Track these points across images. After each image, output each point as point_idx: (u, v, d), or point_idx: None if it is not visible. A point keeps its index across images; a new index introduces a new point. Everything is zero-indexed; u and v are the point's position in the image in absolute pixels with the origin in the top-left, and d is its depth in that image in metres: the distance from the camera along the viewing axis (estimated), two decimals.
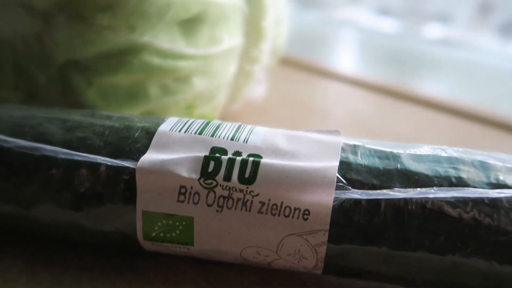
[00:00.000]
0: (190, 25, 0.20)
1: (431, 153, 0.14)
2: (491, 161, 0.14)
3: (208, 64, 0.21)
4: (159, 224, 0.14)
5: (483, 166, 0.14)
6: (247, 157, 0.14)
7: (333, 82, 0.37)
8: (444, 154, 0.14)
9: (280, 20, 0.27)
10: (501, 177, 0.13)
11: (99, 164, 0.14)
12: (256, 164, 0.14)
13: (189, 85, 0.21)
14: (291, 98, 0.33)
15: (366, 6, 0.73)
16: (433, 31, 0.65)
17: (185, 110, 0.22)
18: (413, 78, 0.46)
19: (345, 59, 0.54)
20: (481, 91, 0.43)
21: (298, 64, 0.40)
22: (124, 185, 0.14)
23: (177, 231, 0.14)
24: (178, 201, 0.14)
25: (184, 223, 0.14)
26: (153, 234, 0.14)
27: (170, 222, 0.14)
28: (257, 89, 0.28)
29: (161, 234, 0.14)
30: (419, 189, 0.13)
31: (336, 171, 0.13)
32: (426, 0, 0.69)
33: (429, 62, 0.53)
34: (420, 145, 0.15)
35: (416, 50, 0.58)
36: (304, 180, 0.13)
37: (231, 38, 0.22)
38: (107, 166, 0.14)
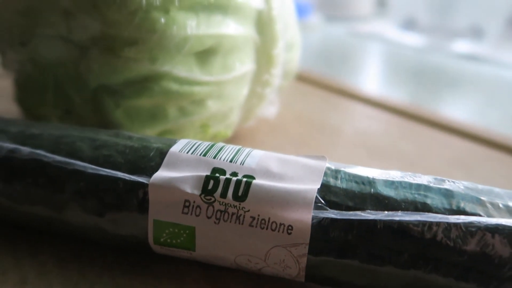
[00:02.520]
0: (204, 56, 0.22)
1: (403, 180, 0.16)
2: (455, 189, 0.16)
3: (221, 89, 0.24)
4: (166, 231, 0.17)
5: (447, 194, 0.15)
6: (241, 178, 0.16)
7: (347, 100, 0.39)
8: (414, 181, 0.16)
9: (292, 44, 0.30)
10: (461, 205, 0.15)
11: (120, 179, 0.17)
12: (248, 184, 0.16)
13: (204, 107, 0.24)
14: (303, 115, 0.35)
15: (393, 20, 0.74)
16: (460, 46, 0.65)
17: (200, 129, 0.25)
18: (437, 94, 0.47)
19: (367, 73, 0.55)
20: (508, 108, 0.43)
21: (313, 81, 0.42)
22: (139, 197, 0.17)
23: (181, 238, 0.17)
24: (182, 212, 0.17)
25: (187, 231, 0.17)
26: (162, 240, 0.17)
27: (176, 230, 0.17)
28: (270, 109, 0.30)
29: (168, 240, 0.17)
30: (387, 212, 0.15)
31: (315, 193, 0.16)
32: (454, 16, 0.69)
33: (455, 77, 0.54)
34: (396, 172, 0.17)
35: (443, 65, 0.59)
36: (287, 200, 0.16)
37: (242, 66, 0.24)
38: (126, 180, 0.17)
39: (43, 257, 0.19)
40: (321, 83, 0.42)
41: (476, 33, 0.68)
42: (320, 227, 0.15)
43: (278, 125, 0.33)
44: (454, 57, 0.63)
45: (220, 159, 0.17)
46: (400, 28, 0.73)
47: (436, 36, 0.69)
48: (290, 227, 0.16)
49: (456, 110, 0.44)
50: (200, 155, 0.18)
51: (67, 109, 0.24)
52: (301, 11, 0.77)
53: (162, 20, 0.20)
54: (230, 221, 0.16)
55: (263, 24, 0.24)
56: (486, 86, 0.52)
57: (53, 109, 0.24)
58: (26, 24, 0.22)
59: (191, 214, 0.16)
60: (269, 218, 0.16)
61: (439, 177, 0.17)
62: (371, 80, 0.54)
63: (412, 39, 0.69)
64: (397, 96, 0.47)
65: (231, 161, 0.17)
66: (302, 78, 0.43)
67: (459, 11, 0.69)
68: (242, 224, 0.16)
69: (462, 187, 0.16)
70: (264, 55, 0.25)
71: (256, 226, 0.16)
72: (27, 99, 0.24)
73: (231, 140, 0.29)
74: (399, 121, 0.35)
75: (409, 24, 0.72)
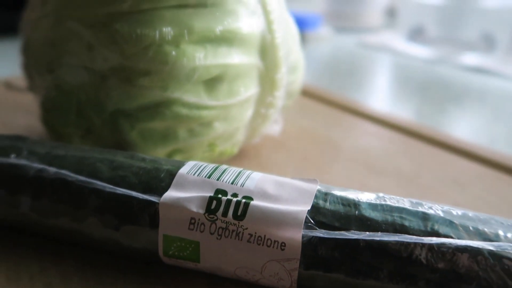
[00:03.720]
0: (211, 83, 0.25)
1: (386, 203, 0.18)
2: (431, 213, 0.17)
3: (227, 112, 0.26)
4: (174, 245, 0.19)
5: (423, 217, 0.17)
6: (241, 199, 0.18)
7: (350, 116, 0.41)
8: (395, 204, 0.18)
9: (296, 67, 0.32)
10: (435, 227, 0.17)
11: (134, 197, 0.19)
12: (246, 205, 0.18)
13: (211, 128, 0.26)
14: (306, 131, 0.37)
15: (402, 32, 0.75)
16: (469, 58, 0.66)
17: (208, 148, 0.27)
18: (444, 108, 0.48)
19: (375, 86, 0.57)
20: None
21: (318, 97, 0.44)
22: (150, 214, 0.19)
23: (188, 251, 0.19)
24: (188, 229, 0.19)
25: (192, 245, 0.19)
26: (170, 252, 0.19)
27: (183, 244, 0.19)
28: (274, 127, 0.32)
29: (176, 253, 0.19)
30: (368, 232, 0.17)
31: (305, 214, 0.17)
32: (463, 28, 0.70)
33: (463, 91, 0.55)
34: (381, 196, 0.19)
35: (451, 78, 0.60)
36: (281, 220, 0.18)
37: (247, 90, 0.26)
38: (139, 199, 0.19)
39: (65, 264, 0.21)
40: (325, 99, 0.44)
41: (485, 45, 0.69)
42: (309, 244, 0.17)
43: (282, 141, 0.35)
44: (463, 70, 0.64)
45: (222, 181, 0.19)
46: (408, 39, 0.74)
47: (445, 48, 0.70)
48: (283, 244, 0.18)
49: (461, 125, 0.45)
50: (205, 177, 0.20)
51: (87, 129, 0.27)
52: (311, 23, 0.79)
53: (173, 53, 0.22)
54: (231, 237, 0.18)
55: (266, 51, 0.26)
56: (493, 100, 0.53)
57: (75, 129, 0.27)
58: (53, 54, 0.25)
59: (196, 230, 0.19)
60: (264, 236, 0.18)
61: (419, 201, 0.18)
62: (378, 92, 0.55)
63: (421, 51, 0.71)
64: (403, 110, 0.48)
65: (232, 183, 0.19)
66: (307, 94, 0.45)
67: (468, 23, 0.69)
68: (241, 240, 0.18)
69: (439, 211, 0.18)
70: (267, 79, 0.27)
71: (253, 242, 0.18)
72: (52, 120, 0.27)
73: (237, 156, 0.32)
74: (399, 138, 0.36)
75: (418, 36, 0.73)
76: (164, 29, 0.22)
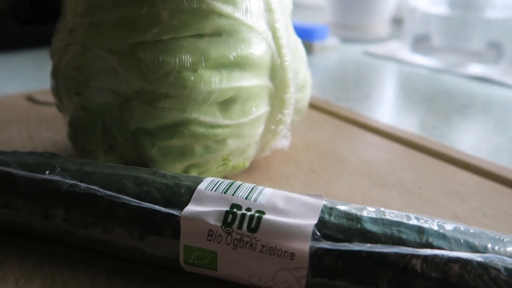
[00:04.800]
0: (226, 104, 0.27)
1: (385, 217, 0.20)
2: (426, 227, 0.19)
3: (239, 130, 0.28)
4: (194, 254, 0.21)
5: (419, 230, 0.19)
6: (254, 213, 0.21)
7: (356, 128, 0.42)
8: (393, 219, 0.20)
9: (303, 85, 0.34)
10: (429, 240, 0.19)
11: (157, 211, 0.22)
12: (259, 219, 0.20)
13: (225, 145, 0.28)
14: (313, 145, 0.39)
15: (408, 42, 0.77)
16: (475, 68, 0.68)
17: (222, 162, 0.29)
18: (448, 119, 0.50)
19: (380, 96, 0.58)
20: None
21: (325, 110, 0.46)
22: (172, 226, 0.21)
23: (206, 260, 0.21)
24: (207, 240, 0.21)
25: (210, 255, 0.21)
26: (190, 261, 0.21)
27: (201, 254, 0.21)
28: (283, 141, 0.34)
29: (195, 261, 0.21)
30: (369, 244, 0.19)
31: (312, 228, 0.19)
32: (469, 38, 0.71)
33: (467, 101, 0.56)
34: (381, 210, 0.21)
35: (456, 88, 0.61)
36: (290, 232, 0.20)
37: (258, 110, 0.29)
38: (162, 213, 0.22)
39: (95, 271, 0.23)
40: (331, 112, 0.46)
41: (492, 55, 0.70)
42: (316, 255, 0.19)
43: (290, 154, 0.37)
44: (468, 79, 0.65)
45: (237, 196, 0.21)
46: (414, 50, 0.76)
47: (451, 58, 0.71)
48: (292, 254, 0.20)
49: (465, 136, 0.46)
50: (221, 192, 0.22)
51: (111, 146, 0.29)
52: (319, 33, 0.81)
53: (192, 78, 0.25)
54: (245, 248, 0.20)
55: (276, 74, 0.29)
56: (497, 110, 0.54)
57: (100, 145, 0.29)
58: (81, 78, 0.27)
59: (214, 241, 0.21)
60: (276, 246, 0.20)
61: (415, 215, 0.20)
62: (384, 102, 0.57)
63: (427, 61, 0.72)
64: (408, 120, 0.50)
65: (246, 198, 0.21)
66: (314, 107, 0.47)
67: (474, 33, 0.71)
68: (254, 250, 0.20)
69: (434, 225, 0.19)
70: (277, 99, 0.29)
71: (265, 253, 0.20)
72: (78, 137, 0.29)
73: (249, 169, 0.34)
74: (402, 150, 0.38)
75: (424, 46, 0.75)
76: (183, 56, 0.24)
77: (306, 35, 0.81)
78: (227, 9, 0.25)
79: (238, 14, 0.25)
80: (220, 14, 0.25)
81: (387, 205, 0.30)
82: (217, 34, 0.25)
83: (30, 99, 0.50)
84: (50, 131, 0.41)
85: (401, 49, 0.78)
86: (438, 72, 0.68)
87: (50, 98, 0.50)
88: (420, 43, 0.75)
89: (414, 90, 0.60)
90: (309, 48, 0.80)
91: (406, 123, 0.49)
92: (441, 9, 0.72)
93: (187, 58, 0.24)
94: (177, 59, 0.24)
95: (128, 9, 0.24)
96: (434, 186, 0.32)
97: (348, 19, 0.89)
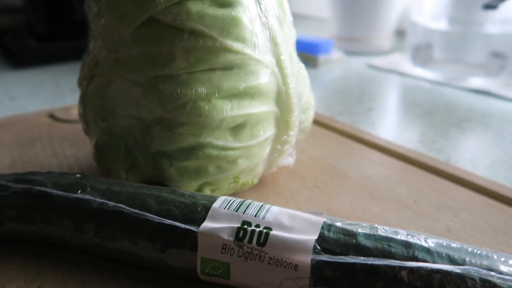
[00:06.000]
0: (236, 129, 0.30)
1: (378, 233, 0.23)
2: (413, 242, 0.22)
3: (249, 151, 0.31)
4: (209, 265, 0.24)
5: (406, 245, 0.22)
6: (262, 229, 0.23)
7: (357, 144, 0.45)
8: (385, 234, 0.22)
9: (307, 108, 0.37)
10: (415, 253, 0.21)
11: (177, 227, 0.25)
12: (267, 234, 0.23)
13: (236, 164, 0.31)
14: (317, 160, 0.41)
15: (409, 55, 0.80)
16: (474, 81, 0.70)
17: (233, 180, 0.32)
18: (447, 131, 0.52)
19: (381, 109, 0.61)
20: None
21: (328, 126, 0.49)
22: (191, 240, 0.24)
23: (220, 271, 0.24)
24: (221, 252, 0.24)
25: (224, 266, 0.24)
26: (206, 271, 0.24)
27: (216, 265, 0.24)
28: (288, 159, 0.37)
29: (211, 272, 0.24)
30: (363, 257, 0.22)
31: (313, 242, 0.22)
32: (470, 51, 0.73)
33: (467, 113, 0.58)
34: (374, 227, 0.23)
35: (456, 101, 0.63)
36: (294, 246, 0.22)
37: (265, 132, 0.31)
38: (181, 228, 0.24)
39: (122, 280, 0.26)
40: (335, 128, 0.48)
41: (494, 67, 0.72)
42: (317, 266, 0.22)
43: (295, 170, 0.39)
44: (468, 92, 0.67)
45: (247, 214, 0.24)
46: (415, 63, 0.78)
47: (452, 71, 0.74)
48: (296, 266, 0.22)
49: (463, 149, 0.48)
50: (233, 210, 0.25)
51: (132, 165, 0.32)
52: (323, 47, 0.84)
53: (206, 107, 0.28)
54: (255, 260, 0.23)
55: (281, 100, 0.31)
56: (496, 123, 0.56)
57: (122, 164, 0.32)
58: (106, 106, 0.30)
59: (227, 254, 0.23)
60: (281, 259, 0.23)
61: (404, 231, 0.23)
62: (385, 115, 0.59)
63: (428, 74, 0.75)
64: (408, 133, 0.53)
65: (255, 216, 0.24)
66: (319, 123, 0.49)
67: (474, 47, 0.73)
68: (263, 262, 0.23)
69: (419, 240, 0.22)
70: (282, 122, 0.32)
71: (272, 264, 0.23)
72: (103, 158, 0.32)
73: (257, 185, 0.36)
74: (401, 166, 0.41)
75: (425, 59, 0.77)
76: (198, 88, 0.27)
77: (312, 49, 0.84)
78: (237, 46, 0.28)
79: (247, 50, 0.28)
80: (231, 51, 0.28)
81: (385, 218, 0.33)
82: (228, 68, 0.28)
83: (52, 116, 0.53)
84: (73, 148, 0.44)
85: (403, 62, 0.81)
86: (439, 85, 0.71)
87: (70, 115, 0.53)
88: (421, 56, 0.78)
89: (415, 103, 0.63)
90: (314, 62, 0.83)
91: (406, 137, 0.51)
92: (442, 25, 0.74)
93: (202, 90, 0.27)
94: (193, 91, 0.27)
95: (150, 47, 0.27)
96: (428, 201, 0.35)
97: (352, 32, 0.91)
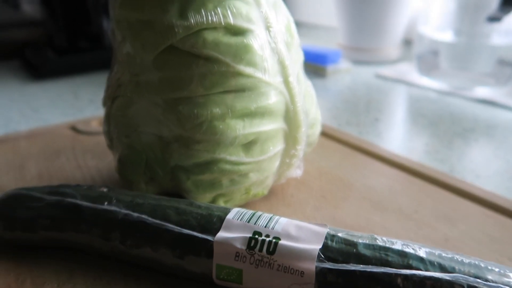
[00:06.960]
0: (248, 145, 0.32)
1: (376, 243, 0.25)
2: (408, 251, 0.24)
3: (259, 165, 0.34)
4: (224, 271, 0.27)
5: (402, 254, 0.24)
6: (272, 239, 0.26)
7: (363, 156, 0.47)
8: (382, 244, 0.25)
9: (313, 123, 0.39)
10: (410, 262, 0.24)
11: (195, 236, 0.27)
12: (276, 244, 0.26)
13: (247, 178, 0.34)
14: (324, 172, 0.44)
15: (416, 66, 0.81)
16: (480, 92, 0.71)
17: (244, 191, 0.35)
18: (452, 141, 0.54)
19: (388, 119, 0.63)
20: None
21: (335, 138, 0.51)
22: (207, 249, 0.27)
23: (234, 276, 0.26)
24: (234, 260, 0.26)
25: (237, 272, 0.26)
26: (221, 276, 0.27)
27: (230, 271, 0.26)
28: (297, 171, 0.39)
29: (225, 277, 0.27)
30: (362, 265, 0.24)
31: (317, 251, 0.25)
32: (475, 63, 0.75)
33: (472, 124, 0.60)
34: (374, 237, 0.26)
35: (462, 111, 0.65)
36: (300, 255, 0.25)
37: (275, 148, 0.34)
38: (199, 238, 0.27)
39: (143, 283, 0.29)
40: (341, 140, 0.51)
41: (502, 74, 0.73)
42: (321, 273, 0.24)
43: (303, 181, 0.42)
44: (474, 102, 0.69)
45: (258, 224, 0.27)
46: (422, 73, 0.80)
47: (458, 81, 0.75)
48: (302, 272, 0.25)
49: (467, 159, 0.50)
50: (246, 221, 0.27)
51: (151, 178, 0.35)
52: (332, 58, 0.86)
53: (221, 126, 0.30)
54: (265, 267, 0.26)
55: (289, 117, 0.34)
56: (500, 133, 0.57)
57: (142, 176, 0.35)
58: (129, 124, 0.33)
59: (240, 261, 0.26)
60: (289, 266, 0.25)
61: (401, 241, 0.25)
62: (391, 125, 0.61)
63: (435, 84, 0.76)
64: (414, 143, 0.54)
65: (265, 226, 0.27)
66: (326, 135, 0.52)
67: (480, 58, 0.75)
68: (272, 269, 0.25)
69: (414, 250, 0.24)
70: (291, 137, 0.35)
71: (281, 271, 0.25)
72: (125, 171, 0.35)
73: (267, 195, 0.39)
74: (404, 177, 0.43)
75: (431, 70, 0.79)
76: (213, 109, 0.30)
77: (320, 60, 0.87)
78: (249, 70, 0.30)
79: (258, 74, 0.31)
80: (243, 75, 0.30)
81: (387, 228, 0.35)
82: (241, 90, 0.31)
83: (74, 129, 0.57)
84: (94, 159, 0.47)
85: (410, 72, 0.83)
86: (445, 95, 0.72)
87: (91, 128, 0.56)
88: (428, 66, 0.80)
89: (421, 113, 0.64)
90: (322, 72, 0.86)
91: (411, 147, 0.53)
92: (448, 36, 0.76)
93: (217, 111, 0.30)
94: (209, 112, 0.30)
95: (170, 72, 0.30)
96: (429, 211, 0.37)
97: (360, 42, 0.93)
